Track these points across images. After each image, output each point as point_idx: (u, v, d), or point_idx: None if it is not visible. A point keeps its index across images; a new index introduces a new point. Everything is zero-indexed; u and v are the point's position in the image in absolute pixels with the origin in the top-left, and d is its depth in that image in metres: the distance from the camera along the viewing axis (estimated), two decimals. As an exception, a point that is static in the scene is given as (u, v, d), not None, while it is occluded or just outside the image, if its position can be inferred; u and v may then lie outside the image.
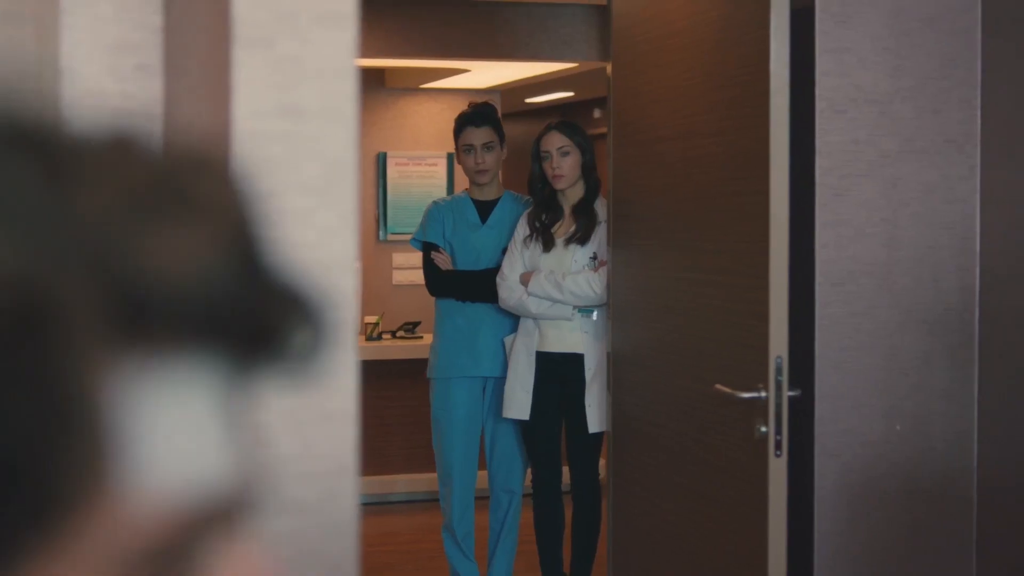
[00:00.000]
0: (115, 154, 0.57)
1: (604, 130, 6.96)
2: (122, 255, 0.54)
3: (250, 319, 0.57)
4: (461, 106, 6.67)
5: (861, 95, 4.29)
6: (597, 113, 12.31)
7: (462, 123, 6.03)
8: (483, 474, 6.08)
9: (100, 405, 0.53)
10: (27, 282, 0.51)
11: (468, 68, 8.84)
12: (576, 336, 5.60)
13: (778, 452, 3.98)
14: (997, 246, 4.30)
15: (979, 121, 4.35)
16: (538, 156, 5.69)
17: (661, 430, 4.67)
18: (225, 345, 0.57)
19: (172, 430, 0.55)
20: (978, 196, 4.35)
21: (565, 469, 5.88)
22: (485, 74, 9.29)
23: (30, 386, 0.51)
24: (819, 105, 4.26)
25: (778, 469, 3.98)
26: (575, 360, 5.60)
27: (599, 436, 5.60)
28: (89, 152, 0.56)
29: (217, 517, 0.57)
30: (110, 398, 0.53)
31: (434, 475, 6.17)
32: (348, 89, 2.63)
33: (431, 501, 7.08)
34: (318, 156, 2.68)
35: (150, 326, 0.54)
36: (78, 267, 0.53)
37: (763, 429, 4.00)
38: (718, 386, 4.18)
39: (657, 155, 4.72)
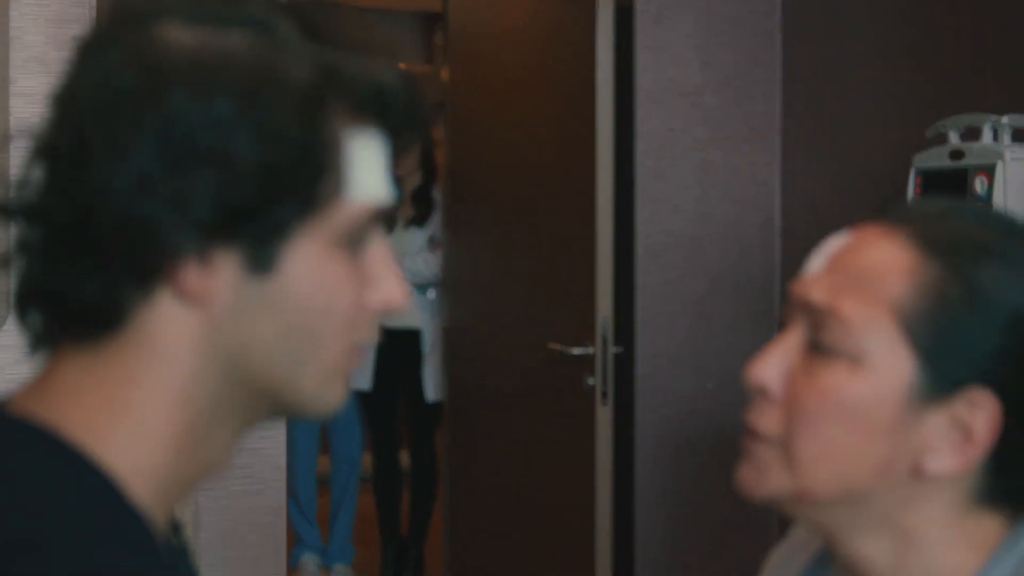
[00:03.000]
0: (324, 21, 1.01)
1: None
2: (352, 70, 0.97)
3: (410, 105, 1.01)
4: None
5: (675, 87, 4.67)
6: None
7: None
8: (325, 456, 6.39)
9: (343, 145, 0.96)
10: (310, 86, 0.94)
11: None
12: (414, 313, 5.95)
13: (604, 401, 4.41)
14: (796, 223, 4.73)
15: (780, 113, 4.77)
16: (378, 146, 6.00)
17: (496, 391, 5.03)
18: (391, 124, 1.00)
19: (368, 164, 0.98)
20: (779, 179, 4.77)
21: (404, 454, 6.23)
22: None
23: (317, 135, 0.94)
24: (638, 96, 4.63)
25: (604, 416, 4.41)
26: (413, 335, 5.97)
27: (437, 408, 5.93)
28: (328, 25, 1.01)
29: (381, 217, 1.01)
30: (346, 142, 0.96)
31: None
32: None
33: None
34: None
35: (364, 110, 0.97)
36: (337, 78, 0.96)
37: (591, 381, 4.42)
38: (551, 344, 4.58)
39: (492, 143, 5.05)
